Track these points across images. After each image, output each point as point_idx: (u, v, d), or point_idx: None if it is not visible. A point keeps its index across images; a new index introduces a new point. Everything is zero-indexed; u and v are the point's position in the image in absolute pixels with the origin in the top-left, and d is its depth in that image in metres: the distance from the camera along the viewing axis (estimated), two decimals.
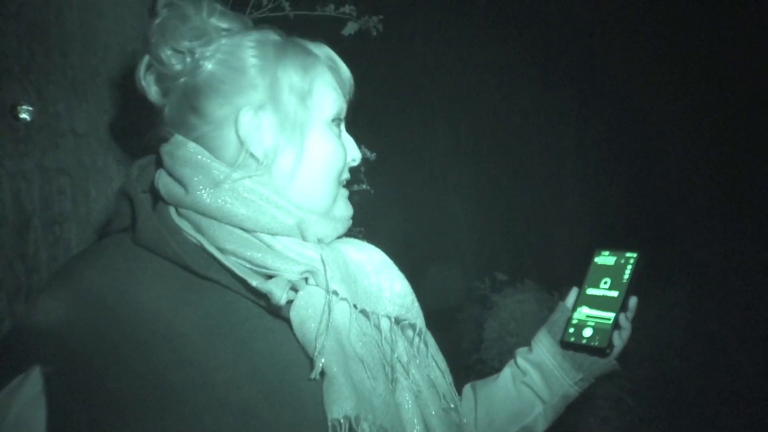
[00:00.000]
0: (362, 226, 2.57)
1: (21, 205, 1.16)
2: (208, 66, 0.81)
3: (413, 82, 7.26)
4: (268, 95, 0.81)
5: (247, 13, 2.00)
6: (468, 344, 4.52)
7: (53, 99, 1.21)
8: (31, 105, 1.16)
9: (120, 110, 1.32)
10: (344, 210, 0.91)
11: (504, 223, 7.46)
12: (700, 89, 6.64)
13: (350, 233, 2.67)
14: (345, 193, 0.93)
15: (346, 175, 0.93)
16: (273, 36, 0.87)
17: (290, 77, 0.83)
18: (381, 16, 2.24)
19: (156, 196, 0.81)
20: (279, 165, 0.82)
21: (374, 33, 2.25)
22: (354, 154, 0.93)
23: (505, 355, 3.91)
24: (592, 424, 3.34)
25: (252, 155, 0.80)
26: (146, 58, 0.83)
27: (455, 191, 7.73)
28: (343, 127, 0.93)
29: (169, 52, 0.81)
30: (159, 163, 0.83)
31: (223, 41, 0.82)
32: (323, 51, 0.93)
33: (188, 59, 0.81)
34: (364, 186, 2.42)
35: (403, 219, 7.54)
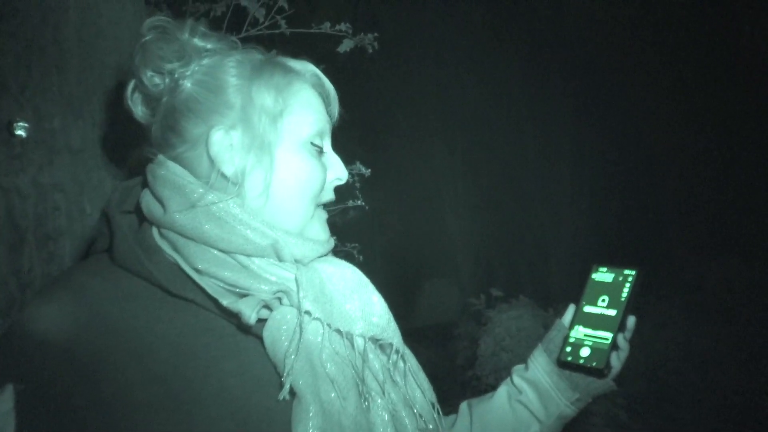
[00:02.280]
0: (357, 242, 2.57)
1: (15, 221, 1.16)
2: (187, 85, 0.82)
3: (408, 98, 7.30)
4: (240, 115, 0.82)
5: (244, 30, 2.02)
6: (463, 360, 4.51)
7: (49, 116, 1.22)
8: (27, 121, 1.17)
9: (116, 127, 1.33)
10: (319, 232, 0.90)
11: (499, 239, 7.47)
12: (696, 107, 6.69)
13: (345, 249, 2.66)
14: (323, 215, 0.93)
15: (329, 197, 0.93)
16: (255, 55, 0.88)
17: (262, 97, 0.83)
18: (376, 34, 2.26)
19: (141, 216, 0.83)
20: (250, 185, 0.82)
21: (370, 50, 2.26)
22: (339, 174, 0.93)
23: (500, 371, 3.89)
24: None
25: (223, 175, 0.81)
26: (133, 80, 0.85)
27: (450, 207, 7.75)
28: (328, 146, 0.93)
29: (150, 73, 0.83)
30: (145, 183, 0.84)
31: (204, 61, 0.84)
32: (307, 68, 0.93)
33: (167, 80, 0.83)
34: (359, 202, 2.43)
35: (398, 235, 7.55)
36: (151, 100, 0.85)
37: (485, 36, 6.91)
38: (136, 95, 0.86)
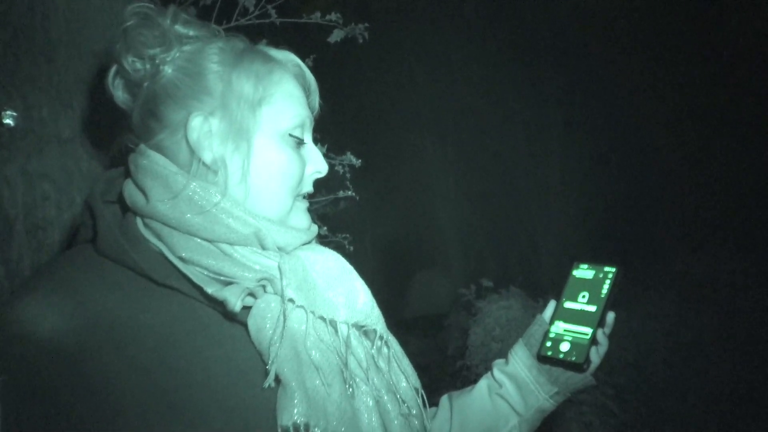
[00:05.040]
0: (348, 233, 2.57)
1: (4, 211, 1.15)
2: (168, 71, 0.82)
3: (399, 88, 7.28)
4: (219, 102, 0.82)
5: (234, 20, 2.00)
6: (453, 350, 4.53)
7: (38, 105, 1.21)
8: (15, 110, 1.16)
9: (105, 116, 1.32)
10: (300, 222, 0.90)
11: (490, 231, 7.49)
12: (684, 101, 6.72)
13: (336, 239, 2.66)
14: (302, 205, 0.92)
15: (308, 189, 0.93)
16: (237, 43, 0.88)
17: (242, 84, 0.83)
18: (367, 24, 2.26)
19: (124, 206, 0.83)
20: (229, 172, 0.82)
21: (360, 40, 2.26)
22: (318, 167, 0.93)
23: (490, 361, 3.88)
24: (575, 430, 3.36)
25: (203, 163, 0.81)
26: (115, 66, 0.85)
27: (441, 198, 7.76)
28: (308, 138, 0.93)
29: (131, 59, 0.82)
30: (127, 173, 0.84)
31: (186, 48, 0.84)
32: (288, 58, 0.93)
33: (148, 65, 0.82)
34: (349, 192, 2.43)
35: (389, 226, 7.55)
36: (132, 85, 0.85)
37: (477, 27, 6.90)
38: (118, 81, 0.86)
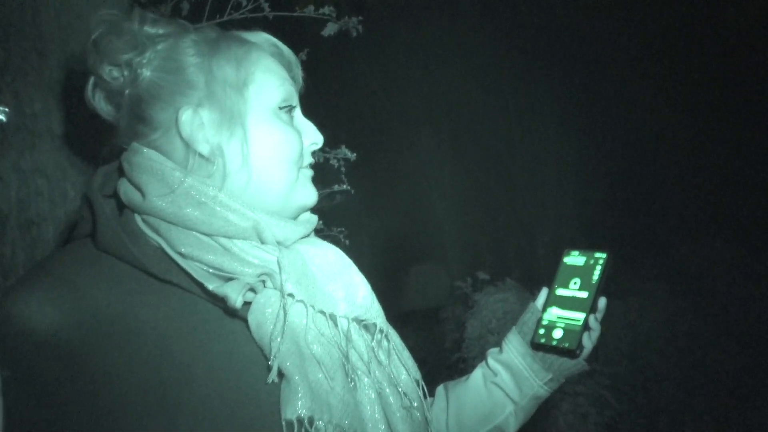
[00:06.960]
0: (344, 226, 2.57)
1: None
2: (147, 73, 0.81)
3: (394, 82, 7.27)
4: (205, 92, 0.81)
5: (227, 14, 1.99)
6: (450, 343, 4.54)
7: (30, 100, 1.20)
8: (6, 106, 1.15)
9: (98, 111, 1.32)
10: (306, 195, 0.90)
11: (486, 223, 7.50)
12: (679, 92, 6.73)
13: (331, 234, 2.65)
14: (307, 174, 0.92)
15: (309, 160, 0.93)
16: (210, 33, 0.87)
17: (224, 70, 0.83)
18: (361, 17, 2.25)
19: (121, 203, 0.82)
20: (229, 160, 0.82)
21: (354, 34, 2.25)
22: (313, 138, 0.93)
23: None
24: (572, 421, 3.38)
25: (200, 155, 0.81)
26: (92, 78, 0.84)
27: (437, 191, 7.76)
28: (298, 111, 0.93)
29: (107, 68, 0.81)
30: (121, 171, 0.83)
31: (159, 47, 0.82)
32: (262, 38, 0.93)
33: (126, 71, 0.81)
34: (345, 186, 2.42)
35: (385, 219, 7.55)
36: (113, 95, 0.84)
37: (472, 20, 6.89)
38: (98, 93, 0.85)
